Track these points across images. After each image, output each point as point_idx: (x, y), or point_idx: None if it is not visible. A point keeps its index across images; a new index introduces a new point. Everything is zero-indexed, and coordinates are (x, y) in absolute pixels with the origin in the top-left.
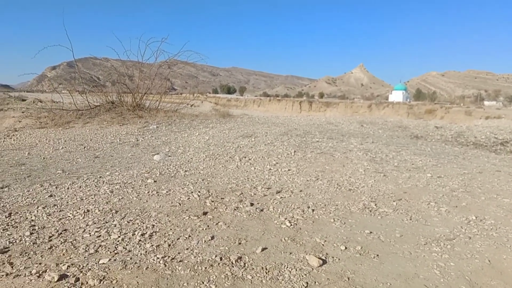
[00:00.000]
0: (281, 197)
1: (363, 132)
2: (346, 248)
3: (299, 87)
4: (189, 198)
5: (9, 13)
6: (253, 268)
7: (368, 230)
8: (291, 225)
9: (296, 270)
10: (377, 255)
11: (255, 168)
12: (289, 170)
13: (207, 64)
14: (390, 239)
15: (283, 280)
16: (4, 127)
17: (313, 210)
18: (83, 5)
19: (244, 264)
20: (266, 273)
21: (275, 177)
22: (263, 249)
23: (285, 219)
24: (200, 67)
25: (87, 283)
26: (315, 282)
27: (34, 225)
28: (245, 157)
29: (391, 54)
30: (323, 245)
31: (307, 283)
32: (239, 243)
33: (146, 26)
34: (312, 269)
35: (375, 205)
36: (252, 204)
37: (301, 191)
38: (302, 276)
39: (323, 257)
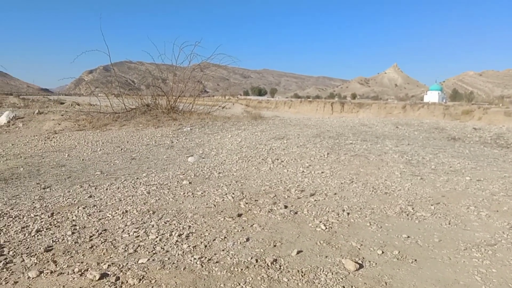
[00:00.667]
0: (315, 200)
1: (398, 134)
2: (383, 252)
3: (330, 88)
4: (223, 200)
5: (49, 20)
6: (288, 271)
7: (406, 235)
8: (326, 228)
9: (332, 273)
10: (415, 260)
11: (288, 170)
12: (322, 172)
13: (239, 67)
14: (429, 244)
15: (319, 283)
16: (45, 130)
17: (348, 214)
18: (119, 10)
19: (280, 266)
20: (302, 276)
21: (309, 180)
22: (298, 252)
23: (320, 222)
24: (231, 70)
25: (127, 282)
26: (351, 286)
27: (75, 225)
28: (277, 159)
29: (426, 53)
30: (359, 249)
31: (343, 287)
32: (274, 246)
33: (180, 30)
34: (349, 273)
35: (412, 209)
36: (286, 207)
37: (335, 194)
38: (339, 280)
39: (360, 261)
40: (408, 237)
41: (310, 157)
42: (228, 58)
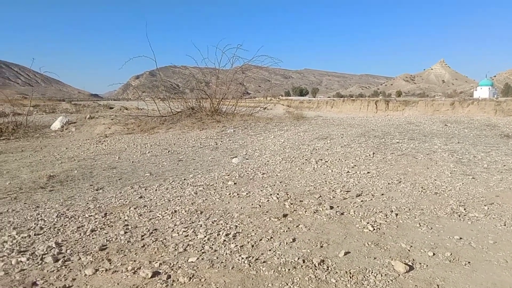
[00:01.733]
0: (362, 201)
1: (447, 132)
2: (434, 254)
3: (374, 86)
4: (268, 200)
5: (98, 30)
6: (336, 272)
7: (458, 236)
8: (374, 229)
9: (381, 275)
10: (469, 262)
11: (332, 171)
12: (368, 172)
13: (279, 67)
14: (483, 246)
15: (368, 285)
16: (96, 134)
17: (396, 215)
18: (162, 15)
19: (327, 267)
20: (350, 277)
21: (354, 180)
22: (345, 253)
23: (367, 223)
24: (272, 71)
25: (178, 280)
26: None
27: (127, 225)
28: (321, 160)
29: (475, 47)
30: (409, 250)
31: None
32: (321, 246)
33: (223, 33)
34: (399, 275)
35: (464, 209)
36: (331, 207)
37: (382, 194)
38: (388, 281)
39: (410, 263)
40: (461, 238)
41: (355, 157)
42: (270, 60)
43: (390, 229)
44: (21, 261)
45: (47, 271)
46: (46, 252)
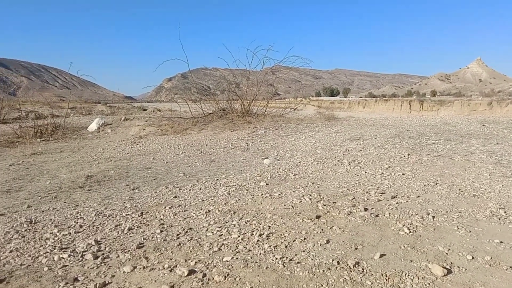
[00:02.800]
0: (397, 203)
1: (485, 133)
2: (473, 258)
3: (408, 85)
4: (301, 201)
5: (131, 34)
6: (372, 274)
7: (498, 240)
8: (410, 232)
9: (418, 278)
10: (510, 267)
11: (365, 172)
12: (403, 174)
13: (310, 68)
14: None
15: None
16: (131, 135)
17: (433, 217)
18: (195, 17)
19: (363, 269)
20: (386, 279)
21: (389, 182)
22: (381, 255)
23: (403, 225)
24: (303, 71)
25: (213, 279)
26: None
27: (163, 224)
28: (354, 161)
29: None
30: (446, 253)
31: None
32: (356, 248)
33: (254, 35)
34: (436, 278)
35: (505, 212)
36: (366, 209)
37: (418, 196)
38: (426, 285)
39: (448, 267)
40: (501, 242)
41: (389, 158)
42: (301, 60)
43: (427, 232)
44: (63, 258)
45: (88, 267)
46: (86, 249)
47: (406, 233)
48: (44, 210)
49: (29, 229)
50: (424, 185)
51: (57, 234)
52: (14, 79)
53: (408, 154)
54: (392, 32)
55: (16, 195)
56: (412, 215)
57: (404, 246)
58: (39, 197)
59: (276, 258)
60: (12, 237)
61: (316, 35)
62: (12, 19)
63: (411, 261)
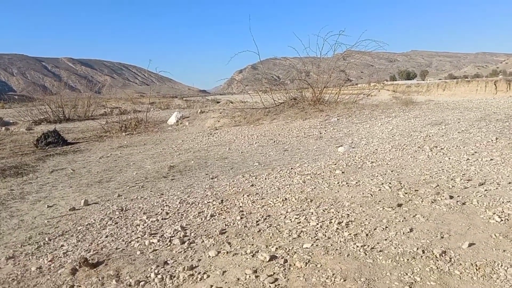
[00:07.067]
0: (486, 190)
1: None
2: None
3: (493, 64)
4: (380, 190)
5: (203, 31)
6: (460, 264)
7: None
8: (502, 220)
9: None
10: None
11: (449, 158)
12: (491, 159)
13: (384, 51)
14: None
15: (497, 278)
16: (207, 127)
17: None
18: (264, 11)
19: (450, 259)
20: (476, 269)
21: (475, 168)
22: (470, 245)
23: (494, 213)
24: (375, 55)
25: (294, 265)
26: None
27: (243, 211)
28: (436, 147)
29: None
30: None
31: None
32: (442, 237)
33: (325, 21)
34: None
35: None
36: (451, 197)
37: (509, 183)
38: None
39: None
40: None
41: (475, 143)
42: (374, 44)
43: None
44: (152, 243)
45: (176, 252)
46: (173, 235)
47: (497, 221)
48: (133, 199)
49: (121, 216)
50: None
51: (146, 220)
52: (98, 78)
53: (497, 138)
54: (471, 7)
55: (107, 185)
56: (503, 202)
57: (495, 235)
58: (128, 187)
59: (357, 246)
60: (106, 223)
61: (390, 15)
62: (101, 23)
63: (504, 251)
